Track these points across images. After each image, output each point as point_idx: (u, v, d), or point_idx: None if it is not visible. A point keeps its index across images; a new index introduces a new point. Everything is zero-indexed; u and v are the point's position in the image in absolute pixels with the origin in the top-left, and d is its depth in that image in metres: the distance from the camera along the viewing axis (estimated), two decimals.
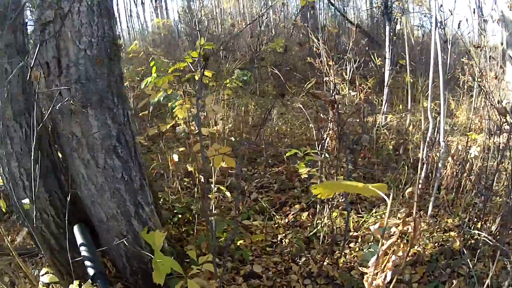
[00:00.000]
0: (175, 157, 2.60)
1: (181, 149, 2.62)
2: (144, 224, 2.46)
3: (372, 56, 5.05)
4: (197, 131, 2.84)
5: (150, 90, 2.55)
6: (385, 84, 4.54)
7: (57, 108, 2.13)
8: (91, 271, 2.00)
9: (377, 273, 1.35)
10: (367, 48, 5.78)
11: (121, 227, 2.40)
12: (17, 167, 2.33)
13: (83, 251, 2.18)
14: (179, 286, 2.21)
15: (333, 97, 2.36)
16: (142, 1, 8.38)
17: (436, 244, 3.12)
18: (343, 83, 3.61)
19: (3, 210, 2.77)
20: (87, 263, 2.09)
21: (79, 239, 2.26)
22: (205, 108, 2.36)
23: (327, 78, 2.66)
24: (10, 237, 2.88)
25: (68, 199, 2.19)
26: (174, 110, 2.52)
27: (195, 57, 2.48)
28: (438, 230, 3.25)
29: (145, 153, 3.72)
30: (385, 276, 1.42)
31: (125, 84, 3.43)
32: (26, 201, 2.33)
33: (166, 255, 2.64)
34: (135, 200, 2.42)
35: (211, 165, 2.38)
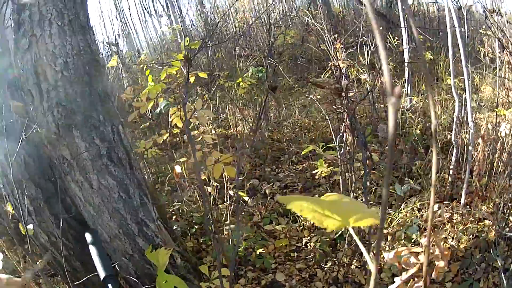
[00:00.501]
0: (178, 169, 2.47)
1: (183, 159, 2.50)
2: (150, 242, 2.36)
3: (388, 36, 4.65)
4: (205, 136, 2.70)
5: (142, 100, 2.43)
6: (405, 65, 4.14)
7: (44, 133, 2.10)
8: (102, 274, 1.90)
9: None
10: (383, 29, 5.35)
11: (126, 246, 2.31)
12: (21, 193, 2.29)
13: (94, 254, 2.08)
14: None
15: (338, 83, 2.09)
16: (155, 11, 8.32)
17: (471, 236, 2.78)
18: (358, 68, 3.29)
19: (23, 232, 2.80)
20: (98, 266, 1.99)
21: (90, 243, 2.14)
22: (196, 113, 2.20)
23: (332, 63, 2.40)
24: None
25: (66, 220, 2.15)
26: (171, 120, 2.39)
27: (181, 59, 2.32)
28: (472, 220, 2.90)
29: (167, 162, 3.66)
30: None
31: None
32: (30, 226, 2.32)
33: (179, 270, 2.54)
34: (137, 218, 2.32)
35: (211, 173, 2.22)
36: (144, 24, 9.33)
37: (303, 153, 2.69)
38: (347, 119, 2.26)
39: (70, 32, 2.09)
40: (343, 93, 2.04)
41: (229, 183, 2.77)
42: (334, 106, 2.31)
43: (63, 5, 2.09)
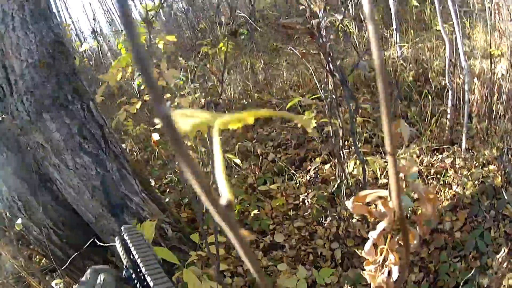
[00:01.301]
0: (155, 136, 2.35)
1: (159, 125, 2.35)
2: (136, 216, 2.28)
3: None
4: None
5: (115, 70, 2.29)
6: (392, 13, 3.88)
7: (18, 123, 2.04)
8: None
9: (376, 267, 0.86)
10: None
11: (111, 225, 2.23)
12: (7, 191, 2.30)
13: None
14: (175, 276, 2.01)
15: (309, 23, 1.91)
16: None
17: (476, 182, 2.63)
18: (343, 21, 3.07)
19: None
20: None
21: None
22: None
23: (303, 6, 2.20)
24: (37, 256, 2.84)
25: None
26: (142, 88, 2.25)
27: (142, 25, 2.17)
28: (476, 165, 2.74)
29: None
30: (389, 273, 0.87)
31: None
32: (18, 221, 2.28)
33: (171, 242, 2.47)
34: (119, 193, 2.23)
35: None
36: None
37: (288, 106, 2.55)
38: (326, 62, 2.08)
39: (32, 21, 2.07)
40: (315, 33, 1.87)
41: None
42: (309, 51, 2.14)
43: None
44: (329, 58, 1.91)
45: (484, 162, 2.84)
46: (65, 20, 8.62)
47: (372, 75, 3.73)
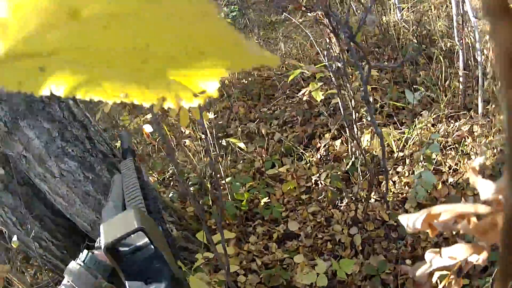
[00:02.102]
0: (147, 128, 2.10)
1: (149, 116, 2.12)
2: None
3: None
4: None
5: None
6: None
7: None
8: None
9: None
10: None
11: None
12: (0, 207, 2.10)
13: None
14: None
15: None
16: None
17: (495, 150, 2.35)
18: None
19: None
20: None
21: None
22: None
23: None
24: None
25: None
26: None
27: None
28: (494, 131, 2.46)
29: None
30: None
31: None
32: (14, 238, 2.08)
33: (176, 242, 2.26)
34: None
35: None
36: None
37: (289, 79, 2.26)
38: (328, 20, 1.78)
39: None
40: None
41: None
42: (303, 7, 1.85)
43: None
44: (330, 13, 1.61)
45: (501, 127, 2.55)
46: None
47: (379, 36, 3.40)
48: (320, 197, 2.48)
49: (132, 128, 3.08)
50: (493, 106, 2.70)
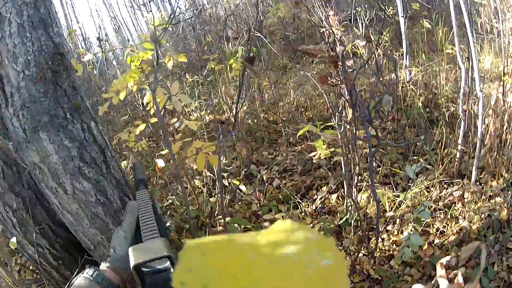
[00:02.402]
0: (160, 163, 2.17)
1: (164, 152, 2.19)
2: None
3: (381, 6, 4.19)
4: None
5: (114, 90, 2.11)
6: (403, 35, 3.70)
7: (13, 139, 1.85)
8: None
9: None
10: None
11: None
12: (2, 205, 2.12)
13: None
14: None
15: (332, 50, 1.73)
16: (144, 3, 7.73)
17: (483, 215, 2.49)
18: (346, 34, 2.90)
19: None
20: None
21: None
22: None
23: (325, 28, 2.04)
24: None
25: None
26: (147, 108, 2.07)
27: (149, 41, 1.99)
28: (484, 198, 2.60)
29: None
30: None
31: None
32: (13, 239, 2.11)
33: None
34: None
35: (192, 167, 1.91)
36: (133, 16, 8.88)
37: (299, 134, 2.38)
38: (346, 93, 1.92)
39: (30, 28, 1.83)
40: (339, 62, 1.71)
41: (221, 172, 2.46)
42: (330, 80, 1.97)
43: (22, 1, 1.83)
44: (353, 91, 1.75)
45: (491, 194, 2.70)
46: (71, 25, 8.38)
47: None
48: None
49: (137, 150, 3.14)
50: (486, 174, 2.85)
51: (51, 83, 1.87)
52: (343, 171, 2.41)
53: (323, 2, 2.22)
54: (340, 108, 2.26)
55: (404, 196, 2.59)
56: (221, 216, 2.49)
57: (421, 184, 2.80)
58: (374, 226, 2.58)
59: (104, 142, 2.08)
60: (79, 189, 1.95)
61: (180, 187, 2.48)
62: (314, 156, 2.24)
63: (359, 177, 2.44)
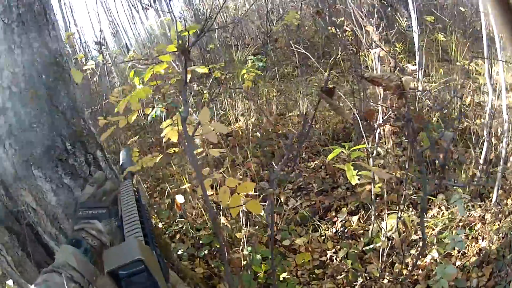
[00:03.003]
0: (179, 199, 1.66)
1: (186, 185, 1.71)
2: None
3: (395, 16, 3.75)
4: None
5: (122, 110, 1.59)
6: (416, 47, 3.24)
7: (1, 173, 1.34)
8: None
9: None
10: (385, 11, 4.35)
11: None
12: None
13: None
14: None
15: (398, 81, 1.28)
16: (143, 7, 7.05)
17: (501, 235, 2.22)
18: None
19: None
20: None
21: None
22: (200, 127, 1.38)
23: (372, 50, 1.59)
24: None
25: None
26: (164, 136, 1.55)
27: (173, 51, 1.47)
28: (504, 218, 2.31)
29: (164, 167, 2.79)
30: None
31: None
32: (10, 282, 1.59)
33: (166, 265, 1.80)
34: None
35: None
36: (132, 20, 8.16)
37: (329, 158, 1.88)
38: (408, 131, 1.44)
39: (20, 30, 1.29)
40: (402, 94, 1.23)
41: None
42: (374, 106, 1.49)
43: None
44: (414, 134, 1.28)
45: (508, 212, 2.34)
46: (70, 28, 7.58)
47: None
48: (335, 274, 2.08)
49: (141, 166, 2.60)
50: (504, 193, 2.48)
51: (45, 103, 1.32)
52: (372, 199, 1.94)
53: (361, 13, 1.75)
54: (375, 129, 1.78)
55: (434, 221, 2.15)
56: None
57: (440, 204, 2.37)
58: (397, 251, 2.15)
59: (114, 175, 1.53)
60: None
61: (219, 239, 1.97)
62: (350, 179, 1.75)
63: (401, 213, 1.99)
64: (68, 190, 1.39)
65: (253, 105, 3.15)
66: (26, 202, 1.41)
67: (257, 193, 2.33)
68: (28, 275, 1.71)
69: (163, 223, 2.40)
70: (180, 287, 1.73)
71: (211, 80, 3.10)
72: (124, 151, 1.54)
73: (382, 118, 1.97)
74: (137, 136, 2.60)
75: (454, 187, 2.22)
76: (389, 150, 1.69)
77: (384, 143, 2.11)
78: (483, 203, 2.53)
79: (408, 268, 2.25)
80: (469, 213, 2.46)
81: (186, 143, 1.09)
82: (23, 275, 1.73)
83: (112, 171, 1.58)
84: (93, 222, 1.12)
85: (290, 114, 3.41)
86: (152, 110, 2.13)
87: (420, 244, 2.02)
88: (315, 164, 2.78)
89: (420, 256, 1.99)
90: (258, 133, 3.07)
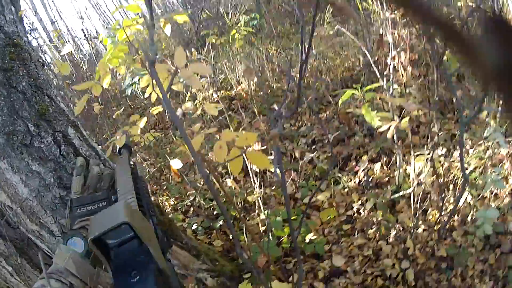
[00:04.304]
0: (175, 164, 1.37)
1: (181, 148, 1.42)
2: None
3: None
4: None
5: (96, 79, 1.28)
6: None
7: None
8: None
9: None
10: None
11: None
12: None
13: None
14: None
15: None
16: None
17: None
18: None
19: None
20: None
21: None
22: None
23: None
24: None
25: None
26: (146, 96, 1.24)
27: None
28: None
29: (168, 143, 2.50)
30: None
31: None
32: None
33: (165, 236, 1.56)
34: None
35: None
36: (121, 10, 7.76)
37: (341, 100, 1.55)
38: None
39: None
40: None
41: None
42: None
43: None
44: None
45: None
46: (55, 20, 7.37)
47: None
48: (365, 228, 1.78)
49: (143, 144, 2.32)
50: None
51: (3, 88, 1.01)
52: (395, 141, 1.60)
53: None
54: (389, 64, 1.42)
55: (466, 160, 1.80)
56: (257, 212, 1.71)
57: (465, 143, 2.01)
58: (429, 196, 1.83)
59: (93, 151, 1.23)
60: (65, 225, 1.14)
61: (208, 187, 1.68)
62: (369, 121, 1.42)
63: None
64: (39, 178, 1.11)
65: (251, 64, 2.79)
66: (2, 202, 1.15)
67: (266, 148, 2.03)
68: (31, 282, 1.49)
69: (173, 199, 2.15)
70: (195, 266, 1.47)
71: (203, 44, 2.76)
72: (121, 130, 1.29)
73: (396, 49, 1.61)
74: (122, 109, 2.31)
75: (487, 118, 1.86)
76: (408, 84, 1.35)
77: (401, 76, 1.76)
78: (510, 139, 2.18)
79: (444, 214, 1.94)
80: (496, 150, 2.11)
81: (161, 92, 0.79)
82: (27, 283, 1.51)
83: (91, 148, 1.28)
84: None
85: (293, 69, 3.04)
86: (128, 78, 1.86)
87: (459, 185, 1.70)
88: (327, 114, 2.44)
89: (460, 199, 1.66)
90: (262, 92, 2.73)
